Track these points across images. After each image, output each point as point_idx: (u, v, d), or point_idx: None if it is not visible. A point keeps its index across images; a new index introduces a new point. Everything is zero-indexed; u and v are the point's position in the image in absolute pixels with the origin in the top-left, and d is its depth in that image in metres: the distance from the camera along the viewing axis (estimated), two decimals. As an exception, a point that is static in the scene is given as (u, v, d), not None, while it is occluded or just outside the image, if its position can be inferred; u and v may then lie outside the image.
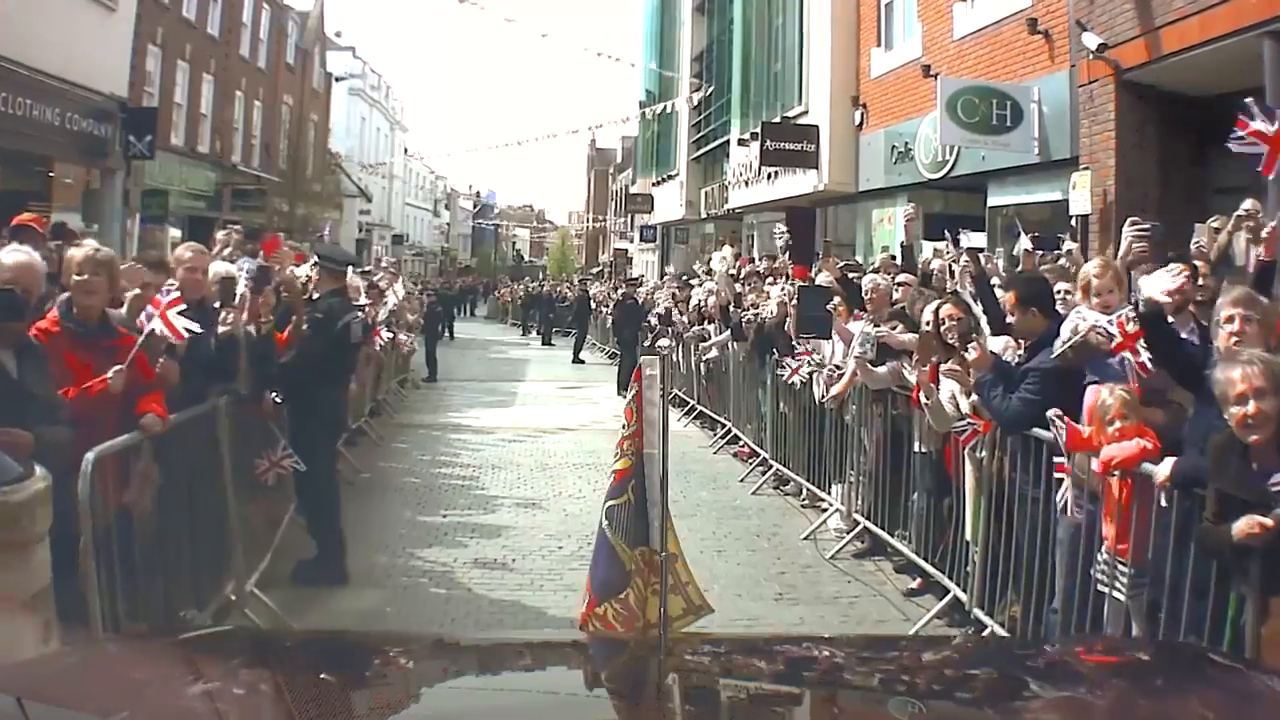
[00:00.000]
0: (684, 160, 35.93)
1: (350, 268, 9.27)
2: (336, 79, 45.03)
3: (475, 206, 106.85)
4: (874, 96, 20.10)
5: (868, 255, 18.78)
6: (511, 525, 9.56)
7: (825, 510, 9.80)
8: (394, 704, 2.40)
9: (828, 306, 9.46)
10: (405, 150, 68.71)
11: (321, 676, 2.47)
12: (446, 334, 39.69)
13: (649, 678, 2.68)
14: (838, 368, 9.30)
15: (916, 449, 7.71)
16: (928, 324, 7.26)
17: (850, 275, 11.82)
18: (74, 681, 2.21)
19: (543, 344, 36.14)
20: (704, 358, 14.85)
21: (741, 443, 13.31)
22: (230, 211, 29.41)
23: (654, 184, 41.49)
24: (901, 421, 8.10)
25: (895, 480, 8.22)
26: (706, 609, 3.67)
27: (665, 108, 35.26)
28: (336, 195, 46.32)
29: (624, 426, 3.72)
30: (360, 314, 8.49)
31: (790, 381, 9.93)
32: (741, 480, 11.87)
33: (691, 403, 16.59)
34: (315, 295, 8.06)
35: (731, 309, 13.34)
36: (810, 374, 9.54)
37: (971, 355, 6.13)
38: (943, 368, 6.81)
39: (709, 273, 18.42)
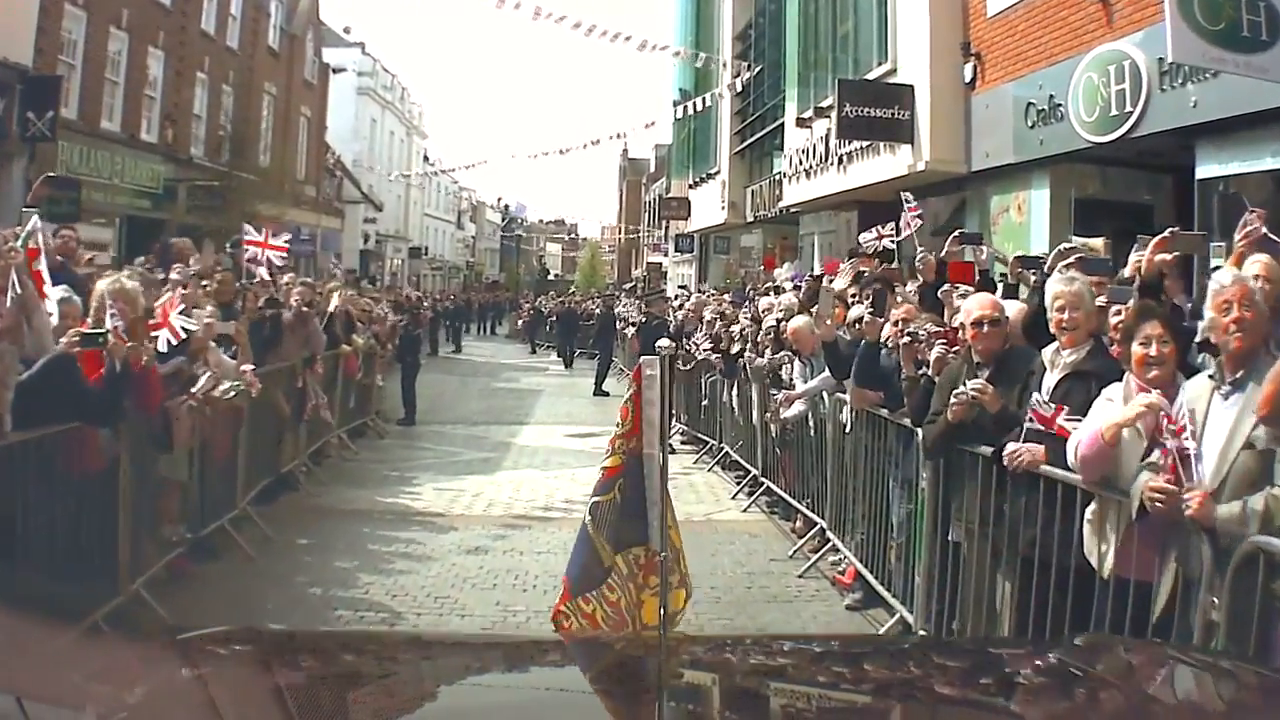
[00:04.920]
0: (726, 155, 30.92)
1: None
2: (334, 70, 39.96)
3: (503, 220, 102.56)
4: (994, 41, 14.79)
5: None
6: None
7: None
8: (395, 704, 2.33)
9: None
10: (425, 158, 63.96)
11: (321, 676, 2.40)
12: (453, 347, 36.88)
13: (649, 678, 2.60)
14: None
15: None
16: None
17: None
18: (74, 681, 2.06)
19: (565, 366, 31.07)
20: (783, 414, 9.39)
21: (843, 561, 8.07)
22: (186, 212, 24.53)
23: (691, 186, 36.43)
24: None
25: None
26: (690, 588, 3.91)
27: (705, 99, 30.01)
28: (335, 201, 41.53)
29: (618, 425, 3.80)
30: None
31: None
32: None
33: (754, 472, 11.25)
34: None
35: (843, 333, 7.97)
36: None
37: None
38: None
39: (777, 289, 13.22)
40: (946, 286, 7.14)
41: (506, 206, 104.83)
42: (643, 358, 3.77)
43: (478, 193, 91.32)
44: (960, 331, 5.94)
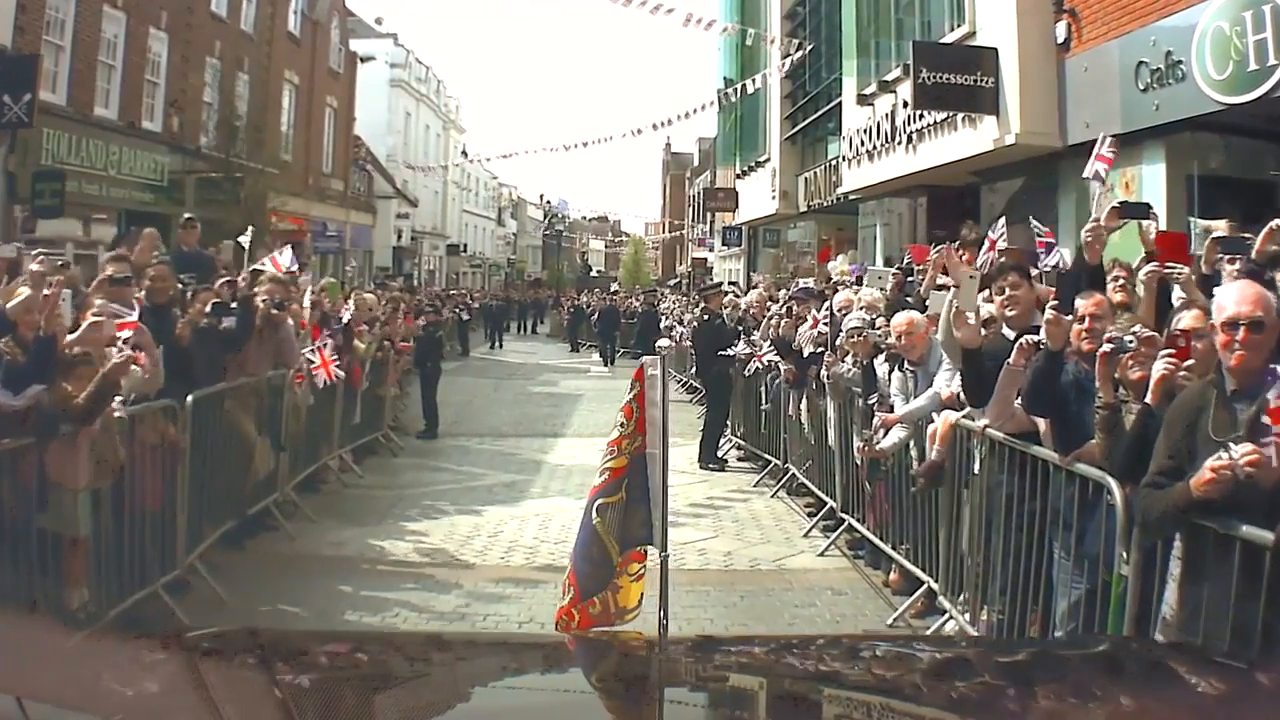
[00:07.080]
0: (776, 141, 28.81)
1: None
2: (363, 59, 38.22)
3: (545, 216, 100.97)
4: (1093, -5, 12.72)
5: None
6: None
7: None
8: (395, 704, 2.29)
9: None
10: (464, 153, 62.23)
11: (321, 677, 2.37)
12: (497, 344, 36.98)
13: (648, 678, 2.55)
14: None
15: None
16: None
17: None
18: (74, 681, 2.02)
19: (605, 364, 29.81)
20: (880, 445, 7.34)
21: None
22: (195, 206, 22.74)
23: (738, 176, 34.30)
24: None
25: None
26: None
27: (755, 80, 27.94)
28: (366, 196, 39.87)
29: (621, 425, 3.69)
30: None
31: None
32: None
33: (830, 503, 9.24)
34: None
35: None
36: None
37: None
38: None
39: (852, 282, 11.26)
40: (1152, 266, 5.16)
41: (549, 203, 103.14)
42: (645, 359, 3.64)
43: (519, 189, 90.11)
44: (1190, 339, 3.91)
